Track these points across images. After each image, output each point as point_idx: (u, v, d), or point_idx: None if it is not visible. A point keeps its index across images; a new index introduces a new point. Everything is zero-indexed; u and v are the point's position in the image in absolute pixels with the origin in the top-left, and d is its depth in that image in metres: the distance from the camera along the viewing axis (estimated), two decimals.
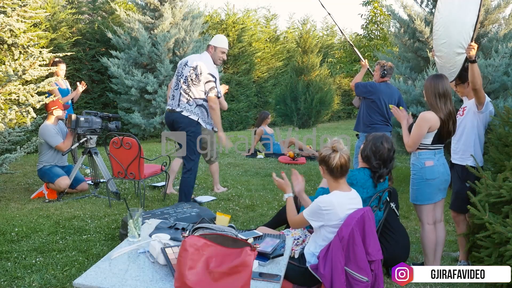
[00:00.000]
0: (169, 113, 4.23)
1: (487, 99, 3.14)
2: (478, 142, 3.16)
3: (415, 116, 4.94)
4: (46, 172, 4.72)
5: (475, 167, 3.04)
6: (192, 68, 4.14)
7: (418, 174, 3.00)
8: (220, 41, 4.27)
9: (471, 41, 2.96)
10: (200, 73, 4.11)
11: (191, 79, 4.13)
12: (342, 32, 5.80)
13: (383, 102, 4.56)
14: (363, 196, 2.64)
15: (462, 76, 3.18)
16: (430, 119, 2.88)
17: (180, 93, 4.17)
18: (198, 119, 4.16)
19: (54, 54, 5.02)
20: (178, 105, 4.17)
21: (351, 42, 5.74)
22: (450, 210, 3.33)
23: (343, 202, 2.34)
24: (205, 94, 4.16)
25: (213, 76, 4.13)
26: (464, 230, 3.22)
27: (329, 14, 5.43)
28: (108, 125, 4.92)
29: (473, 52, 2.89)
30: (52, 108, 4.81)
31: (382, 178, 2.72)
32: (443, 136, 2.95)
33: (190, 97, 4.14)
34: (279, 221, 3.32)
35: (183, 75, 4.19)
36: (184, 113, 4.13)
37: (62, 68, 5.61)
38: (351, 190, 2.44)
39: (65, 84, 5.79)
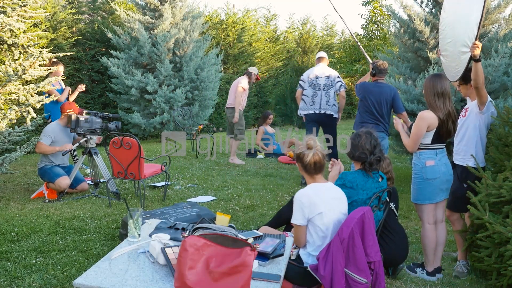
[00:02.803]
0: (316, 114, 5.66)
1: (489, 99, 3.14)
2: (480, 143, 3.15)
3: (414, 116, 4.95)
4: (46, 171, 4.72)
5: (475, 168, 3.04)
6: (326, 77, 5.70)
7: (419, 174, 3.00)
8: None
9: (476, 40, 2.95)
10: (334, 79, 5.74)
11: (328, 85, 5.67)
12: (352, 35, 5.96)
13: (370, 101, 4.70)
14: (364, 198, 2.64)
15: (466, 77, 3.17)
16: (427, 118, 2.90)
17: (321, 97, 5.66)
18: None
19: (54, 54, 5.02)
20: (320, 107, 5.64)
21: (359, 44, 5.95)
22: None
23: (320, 189, 2.46)
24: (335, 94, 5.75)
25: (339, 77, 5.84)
26: (460, 228, 3.23)
27: (341, 17, 5.71)
28: (108, 125, 4.93)
29: (477, 51, 2.85)
30: (67, 111, 4.83)
31: (373, 166, 2.71)
32: (442, 135, 2.95)
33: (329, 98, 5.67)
34: (279, 221, 3.33)
35: (320, 84, 5.67)
36: (328, 113, 5.63)
37: (61, 69, 5.66)
38: (327, 182, 2.56)
39: (60, 84, 5.85)
